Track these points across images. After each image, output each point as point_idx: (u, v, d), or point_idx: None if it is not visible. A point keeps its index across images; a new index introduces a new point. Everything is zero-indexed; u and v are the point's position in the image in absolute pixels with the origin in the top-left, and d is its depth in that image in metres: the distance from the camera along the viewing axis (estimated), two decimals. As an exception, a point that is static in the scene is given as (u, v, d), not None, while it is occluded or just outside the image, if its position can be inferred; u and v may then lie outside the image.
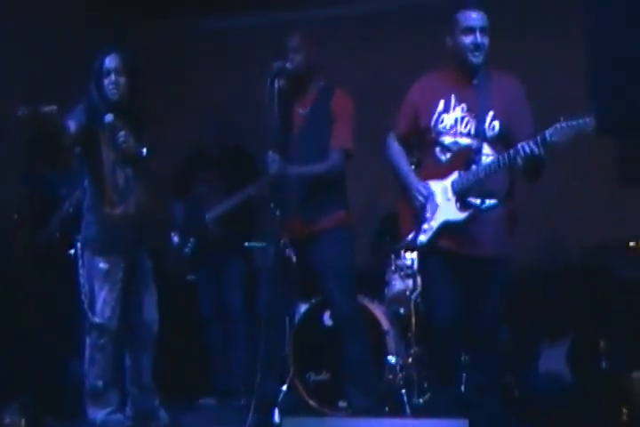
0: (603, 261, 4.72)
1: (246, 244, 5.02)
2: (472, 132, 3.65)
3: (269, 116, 3.94)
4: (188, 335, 5.25)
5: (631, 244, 4.60)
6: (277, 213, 3.95)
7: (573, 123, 3.30)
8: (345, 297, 4.04)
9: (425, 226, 3.67)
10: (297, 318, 4.64)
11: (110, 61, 3.99)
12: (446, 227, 3.63)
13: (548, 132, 3.34)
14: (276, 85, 3.93)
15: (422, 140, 3.80)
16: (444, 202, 3.64)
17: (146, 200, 4.08)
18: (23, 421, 4.01)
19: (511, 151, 3.45)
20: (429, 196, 3.65)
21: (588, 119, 3.29)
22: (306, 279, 4.24)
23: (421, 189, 3.68)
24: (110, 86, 3.98)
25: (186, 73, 6.33)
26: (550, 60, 5.52)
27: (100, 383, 3.97)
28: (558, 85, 5.41)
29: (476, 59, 3.64)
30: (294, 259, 4.00)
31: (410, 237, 3.74)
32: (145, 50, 6.17)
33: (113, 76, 3.97)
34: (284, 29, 4.22)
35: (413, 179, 3.75)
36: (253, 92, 4.12)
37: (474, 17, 3.62)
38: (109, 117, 3.91)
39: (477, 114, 3.64)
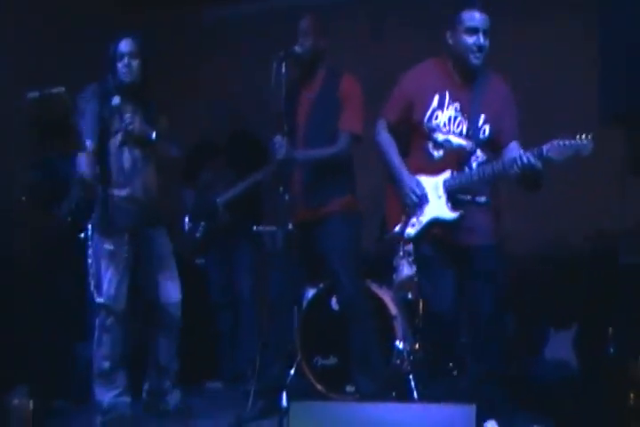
0: (609, 247, 4.72)
1: (255, 228, 5.03)
2: (464, 132, 3.67)
3: (276, 100, 3.93)
4: (196, 319, 5.25)
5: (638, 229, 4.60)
6: (286, 197, 3.96)
7: (571, 142, 3.28)
8: (351, 280, 4.06)
9: (413, 220, 3.71)
10: (305, 302, 4.66)
11: (125, 45, 4.04)
12: (435, 223, 3.67)
13: (545, 148, 3.33)
14: (283, 70, 3.92)
15: (413, 132, 3.77)
16: (434, 198, 3.67)
17: (154, 183, 4.10)
18: (31, 403, 4.03)
19: (507, 160, 3.47)
20: (423, 196, 3.67)
21: (585, 141, 3.26)
22: (314, 264, 4.25)
23: (416, 188, 3.67)
24: (123, 69, 4.02)
25: (192, 61, 6.32)
26: (560, 54, 5.52)
27: (107, 365, 4.00)
28: (568, 79, 5.42)
29: (477, 60, 3.62)
30: (299, 243, 4.01)
31: (397, 228, 3.76)
32: (149, 39, 6.17)
33: (126, 60, 4.02)
34: (290, 16, 4.22)
35: (406, 174, 3.72)
36: (259, 78, 4.11)
37: (478, 18, 3.61)
38: (116, 100, 3.97)
39: (470, 115, 3.65)
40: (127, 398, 4.05)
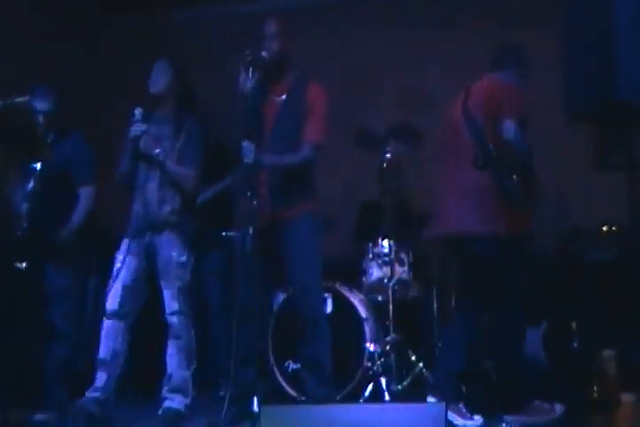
0: (576, 245, 4.77)
1: (224, 233, 5.02)
2: None
3: (243, 104, 3.93)
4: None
5: (604, 228, 4.64)
6: (254, 201, 3.95)
7: None
8: (310, 282, 4.05)
9: None
10: (275, 307, 4.64)
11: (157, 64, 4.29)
12: None
13: None
14: (250, 75, 3.92)
15: None
16: None
17: (155, 197, 4.15)
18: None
19: None
20: None
21: None
22: (282, 268, 4.23)
23: None
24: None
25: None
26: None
27: (96, 361, 4.10)
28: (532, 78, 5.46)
29: None
30: (266, 246, 4.00)
31: None
32: (116, 43, 6.19)
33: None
34: (254, 20, 4.23)
35: None
36: (226, 82, 4.12)
37: None
38: (138, 111, 4.11)
39: None
40: (95, 395, 4.05)
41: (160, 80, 4.22)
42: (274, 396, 4.45)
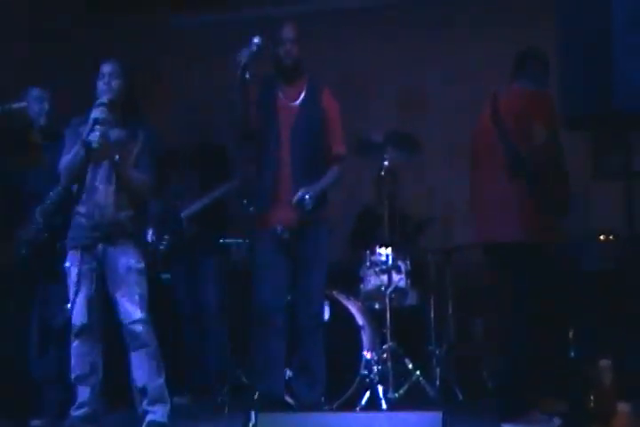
0: (573, 253, 4.77)
1: (221, 240, 5.02)
2: None
3: (235, 104, 3.89)
4: (161, 334, 5.20)
5: (601, 236, 4.65)
6: (251, 209, 3.94)
7: None
8: (317, 286, 4.06)
9: None
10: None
11: (107, 67, 4.07)
12: None
13: None
14: (247, 74, 3.81)
15: None
16: None
17: (111, 202, 4.00)
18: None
19: None
20: None
21: None
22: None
23: None
24: (103, 87, 4.04)
25: (158, 71, 6.32)
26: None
27: (72, 379, 3.99)
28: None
29: None
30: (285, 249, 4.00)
31: None
32: (116, 43, 6.20)
33: (107, 79, 4.05)
34: (254, 23, 4.23)
35: None
36: (225, 88, 4.10)
37: None
38: (104, 100, 3.94)
39: None
40: (82, 411, 3.97)
41: (113, 85, 4.05)
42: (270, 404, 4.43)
